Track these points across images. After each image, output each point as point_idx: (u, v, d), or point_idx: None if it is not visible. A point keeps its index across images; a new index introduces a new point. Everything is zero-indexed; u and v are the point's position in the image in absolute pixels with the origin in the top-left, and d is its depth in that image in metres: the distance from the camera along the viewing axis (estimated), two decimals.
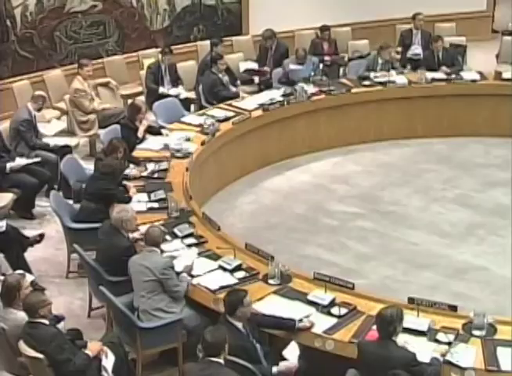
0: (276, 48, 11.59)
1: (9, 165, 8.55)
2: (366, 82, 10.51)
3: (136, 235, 6.72)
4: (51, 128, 9.87)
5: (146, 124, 9.03)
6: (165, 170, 8.06)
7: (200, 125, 9.16)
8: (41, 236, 7.66)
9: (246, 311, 5.45)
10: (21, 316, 5.58)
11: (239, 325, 5.43)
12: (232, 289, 5.84)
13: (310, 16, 12.87)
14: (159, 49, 11.59)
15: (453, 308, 5.62)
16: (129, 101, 11.06)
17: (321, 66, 11.28)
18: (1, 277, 6.36)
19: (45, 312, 5.48)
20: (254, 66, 12.06)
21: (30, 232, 7.74)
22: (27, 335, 5.39)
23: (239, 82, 11.06)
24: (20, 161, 8.63)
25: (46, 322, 5.47)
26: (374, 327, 5.24)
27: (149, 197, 7.50)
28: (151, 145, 8.69)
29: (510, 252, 7.71)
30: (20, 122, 9.02)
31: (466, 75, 10.74)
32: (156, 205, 7.32)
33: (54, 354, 5.33)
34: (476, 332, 5.35)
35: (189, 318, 6.01)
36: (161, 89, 10.62)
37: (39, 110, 9.37)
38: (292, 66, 10.88)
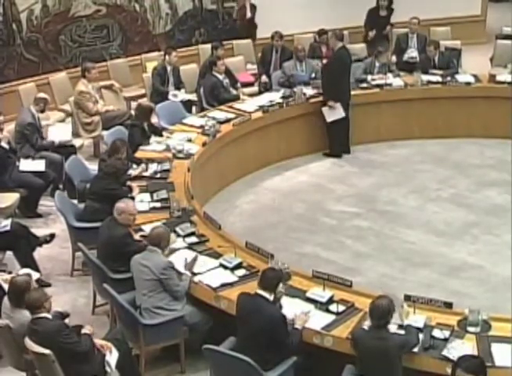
0: (282, 52, 11.59)
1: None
2: (364, 85, 10.59)
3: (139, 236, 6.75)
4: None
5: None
6: (167, 170, 8.12)
7: (202, 127, 9.23)
8: (52, 236, 7.72)
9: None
10: (27, 315, 5.56)
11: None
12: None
13: (309, 21, 12.90)
14: (161, 52, 11.69)
15: (449, 305, 5.60)
16: (132, 103, 11.18)
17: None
18: (8, 275, 6.43)
19: (47, 306, 5.48)
20: (254, 68, 12.22)
21: (36, 230, 7.77)
22: (32, 331, 5.39)
23: (239, 85, 11.16)
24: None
25: (49, 316, 5.48)
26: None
27: (152, 196, 7.53)
28: (154, 146, 8.77)
29: (505, 251, 7.75)
30: (25, 126, 9.12)
31: (461, 78, 10.79)
32: (158, 205, 7.35)
33: (63, 341, 5.32)
34: (471, 328, 5.34)
35: (191, 315, 6.05)
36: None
37: (42, 111, 9.45)
38: (293, 71, 10.96)
